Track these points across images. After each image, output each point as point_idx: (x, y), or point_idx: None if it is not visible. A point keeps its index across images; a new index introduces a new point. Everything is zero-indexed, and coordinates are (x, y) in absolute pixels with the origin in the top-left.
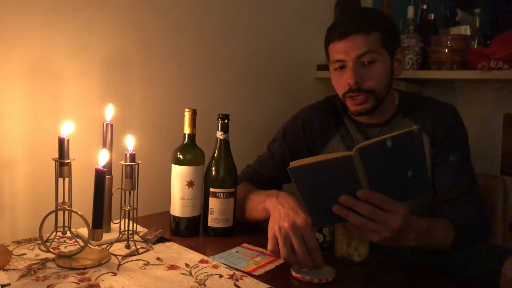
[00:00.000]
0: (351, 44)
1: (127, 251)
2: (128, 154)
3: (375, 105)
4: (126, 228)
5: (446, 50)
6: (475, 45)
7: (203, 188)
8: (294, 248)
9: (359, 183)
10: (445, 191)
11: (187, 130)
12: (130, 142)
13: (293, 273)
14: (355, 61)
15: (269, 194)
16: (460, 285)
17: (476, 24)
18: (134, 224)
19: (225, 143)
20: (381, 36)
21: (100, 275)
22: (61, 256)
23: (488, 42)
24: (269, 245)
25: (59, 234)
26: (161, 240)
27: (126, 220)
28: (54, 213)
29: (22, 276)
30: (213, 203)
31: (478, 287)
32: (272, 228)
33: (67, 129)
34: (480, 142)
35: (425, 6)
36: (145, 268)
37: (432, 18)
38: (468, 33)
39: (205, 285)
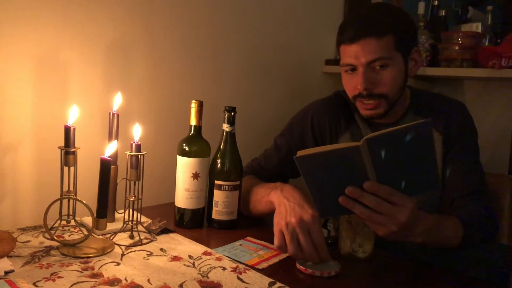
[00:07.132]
0: (362, 49)
1: (131, 241)
2: (134, 144)
3: (387, 110)
4: (130, 218)
5: (457, 47)
6: (486, 43)
7: (208, 180)
8: (301, 244)
9: (367, 175)
10: (454, 190)
11: (193, 121)
12: (137, 131)
13: (298, 266)
14: (366, 66)
15: (273, 186)
16: (465, 284)
17: (487, 21)
18: (139, 215)
19: (231, 136)
20: (395, 38)
21: (104, 264)
22: (65, 244)
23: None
24: (276, 241)
25: (64, 222)
26: (165, 231)
27: (131, 210)
28: (59, 202)
29: (26, 263)
30: (217, 195)
31: (485, 287)
32: (279, 224)
33: (73, 114)
34: (489, 140)
35: (436, 2)
36: (148, 259)
37: (443, 14)
38: (479, 30)
39: (208, 277)
